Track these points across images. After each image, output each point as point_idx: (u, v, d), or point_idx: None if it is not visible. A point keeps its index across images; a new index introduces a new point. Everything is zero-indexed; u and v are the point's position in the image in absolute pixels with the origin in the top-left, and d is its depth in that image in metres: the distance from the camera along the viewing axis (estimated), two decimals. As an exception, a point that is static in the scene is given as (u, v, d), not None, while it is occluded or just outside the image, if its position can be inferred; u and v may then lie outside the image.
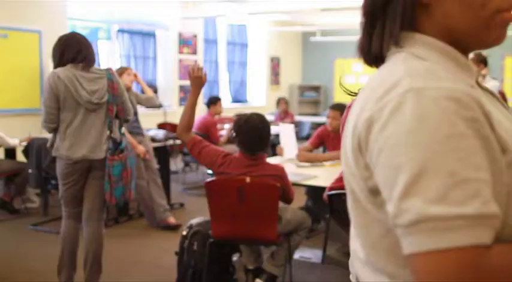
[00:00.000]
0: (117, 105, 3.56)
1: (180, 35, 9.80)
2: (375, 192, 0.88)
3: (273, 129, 4.23)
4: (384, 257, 0.92)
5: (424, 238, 0.77)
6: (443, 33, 0.93)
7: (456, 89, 0.82)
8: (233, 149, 3.94)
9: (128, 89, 5.53)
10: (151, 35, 9.61)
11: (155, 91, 8.45)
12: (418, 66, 0.88)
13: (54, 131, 3.56)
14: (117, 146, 3.55)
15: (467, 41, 0.94)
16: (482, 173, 0.79)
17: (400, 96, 0.82)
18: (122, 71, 5.52)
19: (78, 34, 3.64)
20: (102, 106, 3.49)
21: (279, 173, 3.39)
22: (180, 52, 9.85)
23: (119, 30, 9.02)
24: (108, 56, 8.93)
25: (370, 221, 0.93)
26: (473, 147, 0.79)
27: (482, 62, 5.95)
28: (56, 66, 3.50)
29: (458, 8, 0.91)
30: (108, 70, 3.60)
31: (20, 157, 6.33)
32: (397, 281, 0.91)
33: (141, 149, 5.35)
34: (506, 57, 9.76)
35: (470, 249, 0.76)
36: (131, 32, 9.26)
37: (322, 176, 4.13)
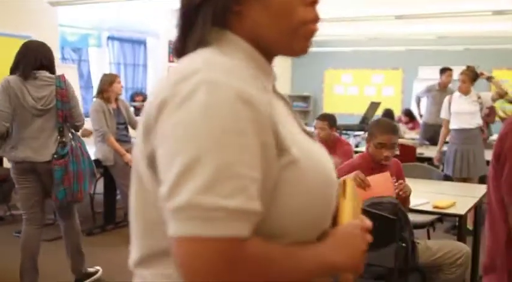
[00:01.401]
0: (68, 110, 3.72)
1: (170, 43, 9.79)
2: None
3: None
4: (159, 242, 0.93)
5: (185, 224, 0.80)
6: (252, 38, 0.97)
7: (247, 90, 0.86)
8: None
9: (117, 97, 5.51)
10: (141, 42, 9.61)
11: (144, 99, 8.42)
12: (218, 60, 0.91)
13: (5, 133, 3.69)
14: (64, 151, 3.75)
15: (274, 49, 1.00)
16: (253, 171, 0.83)
17: (194, 85, 0.85)
18: (112, 79, 5.47)
19: (28, 43, 3.80)
20: (49, 111, 3.67)
21: None
22: (170, 60, 9.84)
23: (109, 37, 9.01)
24: (98, 63, 8.91)
25: (149, 204, 0.95)
26: (250, 146, 0.84)
27: (475, 79, 5.99)
28: (10, 73, 3.70)
29: (267, 17, 0.96)
30: (59, 77, 3.73)
31: (7, 163, 6.27)
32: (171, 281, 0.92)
33: (128, 157, 5.34)
34: (494, 69, 9.87)
35: (228, 240, 0.80)
36: (121, 39, 9.25)
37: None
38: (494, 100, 6.13)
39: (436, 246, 3.22)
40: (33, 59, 3.65)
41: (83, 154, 3.87)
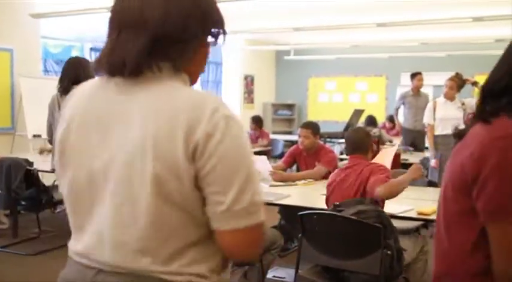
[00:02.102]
0: None
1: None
2: (198, 188, 1.19)
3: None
4: (186, 238, 1.23)
5: (250, 218, 1.20)
6: (188, 72, 1.30)
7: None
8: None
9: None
10: (124, 53, 9.58)
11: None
12: (216, 95, 1.29)
13: None
14: None
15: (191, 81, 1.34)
16: None
17: (225, 119, 1.18)
18: None
19: (69, 59, 4.29)
20: None
21: None
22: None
23: (91, 49, 8.98)
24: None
25: (176, 211, 1.20)
26: None
27: (462, 86, 6.12)
28: None
29: (200, 61, 1.32)
30: None
31: None
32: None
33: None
34: (476, 75, 9.95)
35: (263, 222, 1.23)
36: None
37: (295, 195, 4.14)
38: None
39: (409, 242, 3.45)
40: (74, 74, 4.03)
41: None
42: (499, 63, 1.41)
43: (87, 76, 3.99)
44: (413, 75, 7.92)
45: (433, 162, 6.20)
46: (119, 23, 1.25)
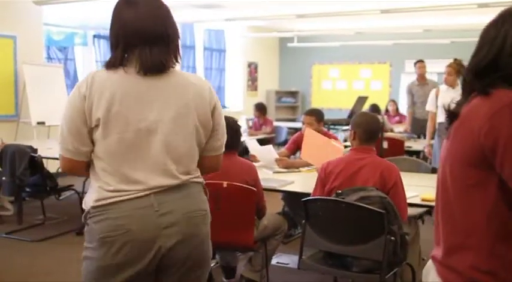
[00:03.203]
0: None
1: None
2: (209, 135, 1.99)
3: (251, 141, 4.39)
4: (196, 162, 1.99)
5: (223, 147, 2.10)
6: None
7: None
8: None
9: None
10: (128, 40, 9.55)
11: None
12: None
13: None
14: None
15: None
16: None
17: (215, 95, 1.99)
18: None
19: None
20: None
21: (248, 169, 3.51)
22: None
23: (95, 36, 8.96)
24: (85, 61, 8.86)
25: (196, 146, 1.95)
26: None
27: (461, 71, 6.05)
28: None
29: None
30: None
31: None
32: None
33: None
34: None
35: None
36: (108, 38, 9.20)
37: (299, 181, 4.14)
38: None
39: (408, 228, 3.53)
40: None
41: None
42: (479, 45, 1.42)
43: None
44: (415, 64, 7.89)
45: (426, 150, 6.20)
46: (153, 39, 1.84)
